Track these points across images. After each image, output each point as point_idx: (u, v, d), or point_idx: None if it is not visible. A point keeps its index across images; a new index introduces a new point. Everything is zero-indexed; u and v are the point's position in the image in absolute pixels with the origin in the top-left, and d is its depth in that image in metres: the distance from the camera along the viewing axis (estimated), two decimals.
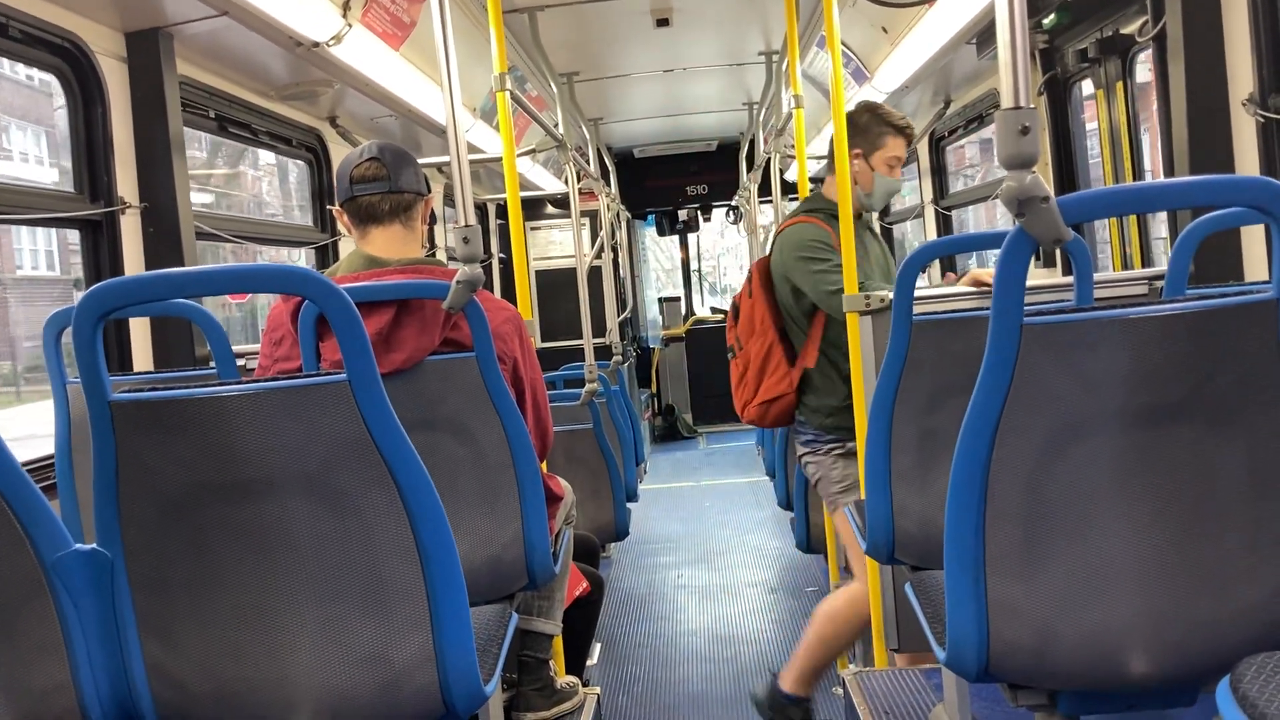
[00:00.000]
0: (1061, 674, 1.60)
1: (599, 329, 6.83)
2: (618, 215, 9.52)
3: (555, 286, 9.69)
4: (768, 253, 3.47)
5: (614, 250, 9.08)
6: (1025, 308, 1.46)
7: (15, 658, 1.53)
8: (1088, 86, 4.41)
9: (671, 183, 11.56)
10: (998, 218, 6.66)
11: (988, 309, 1.48)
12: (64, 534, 1.54)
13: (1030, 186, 1.40)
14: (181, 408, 1.54)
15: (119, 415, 1.55)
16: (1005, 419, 1.49)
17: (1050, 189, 1.41)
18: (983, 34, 4.43)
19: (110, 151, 3.35)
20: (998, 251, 1.48)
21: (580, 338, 4.64)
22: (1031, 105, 1.44)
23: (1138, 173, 4.09)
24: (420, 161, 2.43)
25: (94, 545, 1.59)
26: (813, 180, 4.33)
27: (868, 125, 3.29)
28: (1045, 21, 4.20)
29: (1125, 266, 4.21)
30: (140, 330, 3.47)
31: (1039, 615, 1.55)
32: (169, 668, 1.64)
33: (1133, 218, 4.14)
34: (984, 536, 1.54)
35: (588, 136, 7.26)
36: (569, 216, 9.47)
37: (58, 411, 2.68)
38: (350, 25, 3.98)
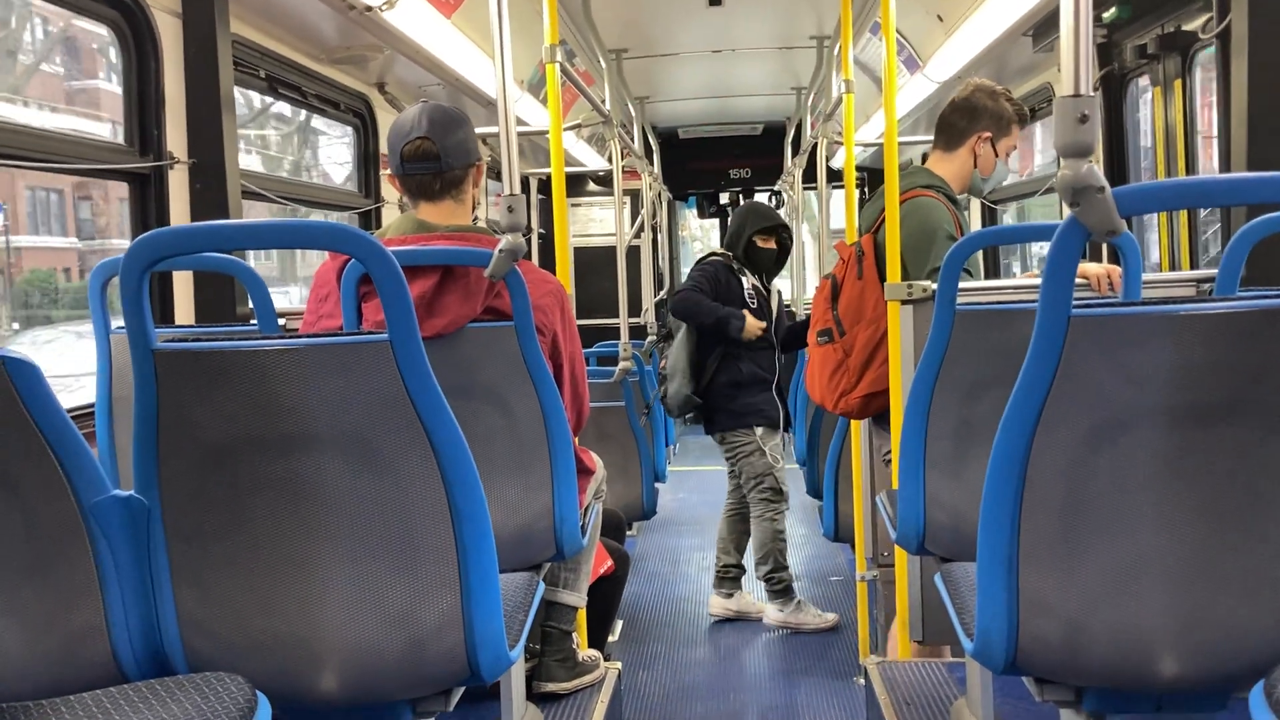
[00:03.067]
0: (1090, 670, 1.59)
1: (635, 308, 6.82)
2: (659, 195, 9.49)
3: (593, 264, 9.68)
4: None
5: (654, 230, 9.06)
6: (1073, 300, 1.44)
7: (52, 599, 1.56)
8: (1143, 83, 4.34)
9: (714, 165, 11.48)
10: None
11: (1032, 302, 1.46)
12: (103, 479, 1.56)
13: (1086, 175, 1.37)
14: (224, 359, 1.55)
15: (162, 364, 1.56)
16: (1047, 410, 1.47)
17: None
18: (1040, 25, 4.36)
19: (162, 106, 3.37)
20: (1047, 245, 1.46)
21: (616, 316, 4.64)
22: (1091, 93, 1.42)
23: (1192, 174, 4.02)
24: None
25: (131, 492, 1.61)
26: (859, 169, 4.27)
27: (1000, 110, 3.14)
28: (1105, 15, 4.13)
29: (1173, 269, 4.15)
30: (183, 286, 3.50)
31: (1070, 609, 1.53)
32: (200, 616, 1.66)
33: (1183, 221, 4.07)
34: (1019, 527, 1.53)
35: (633, 114, 7.24)
36: (609, 194, 9.44)
37: (100, 361, 2.71)
38: None
